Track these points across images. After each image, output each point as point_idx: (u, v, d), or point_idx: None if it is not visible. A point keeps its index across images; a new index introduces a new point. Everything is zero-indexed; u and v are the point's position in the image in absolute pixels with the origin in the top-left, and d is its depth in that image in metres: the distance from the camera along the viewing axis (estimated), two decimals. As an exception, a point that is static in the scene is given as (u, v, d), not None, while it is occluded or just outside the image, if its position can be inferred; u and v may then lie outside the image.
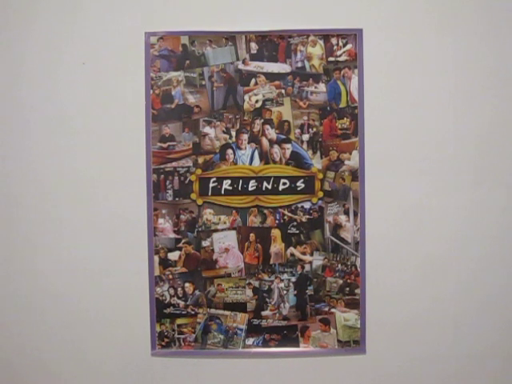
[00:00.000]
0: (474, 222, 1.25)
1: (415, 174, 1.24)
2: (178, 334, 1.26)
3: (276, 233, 1.25)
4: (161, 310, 1.25)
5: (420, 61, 1.23)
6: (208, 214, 1.25)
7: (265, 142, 1.25)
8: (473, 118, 1.24)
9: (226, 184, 1.25)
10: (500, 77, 1.24)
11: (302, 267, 1.25)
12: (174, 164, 1.25)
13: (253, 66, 1.25)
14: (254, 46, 1.25)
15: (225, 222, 1.25)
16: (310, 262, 1.25)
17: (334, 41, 1.24)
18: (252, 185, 1.25)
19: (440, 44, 1.23)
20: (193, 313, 1.26)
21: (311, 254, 1.25)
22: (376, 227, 1.24)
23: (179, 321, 1.26)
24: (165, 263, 1.25)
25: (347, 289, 1.25)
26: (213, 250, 1.25)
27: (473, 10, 1.23)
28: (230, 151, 1.25)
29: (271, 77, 1.25)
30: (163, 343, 1.26)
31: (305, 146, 1.25)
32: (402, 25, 1.23)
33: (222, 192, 1.25)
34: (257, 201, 1.25)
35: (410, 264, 1.24)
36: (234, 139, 1.25)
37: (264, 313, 1.25)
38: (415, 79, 1.24)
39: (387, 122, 1.24)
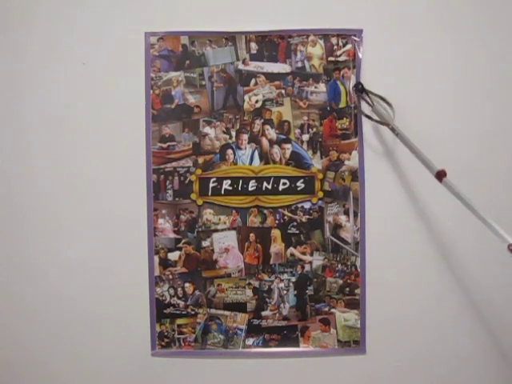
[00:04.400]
0: (473, 221, 1.24)
1: (415, 173, 1.24)
2: (178, 334, 1.26)
3: (276, 233, 1.25)
4: (161, 310, 1.25)
5: (420, 61, 1.23)
6: (208, 214, 1.25)
7: (265, 142, 1.25)
8: (472, 117, 1.24)
9: (226, 184, 1.25)
10: (500, 77, 1.24)
11: (302, 267, 1.25)
12: (174, 164, 1.25)
13: (253, 66, 1.25)
14: (253, 46, 1.25)
15: (225, 222, 1.25)
16: (310, 262, 1.25)
17: (334, 41, 1.24)
18: (252, 185, 1.25)
19: (440, 44, 1.23)
20: (193, 313, 1.26)
21: (311, 254, 1.25)
22: (376, 227, 1.24)
23: (179, 321, 1.26)
24: (165, 263, 1.25)
25: (347, 289, 1.25)
26: (213, 250, 1.25)
27: (472, 10, 1.23)
28: (230, 151, 1.25)
29: (271, 77, 1.25)
30: (163, 343, 1.26)
31: (305, 146, 1.25)
32: (401, 25, 1.23)
33: (222, 192, 1.25)
34: (257, 201, 1.25)
35: (410, 264, 1.24)
36: (233, 139, 1.25)
37: (264, 313, 1.25)
38: (415, 79, 1.23)
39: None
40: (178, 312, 1.26)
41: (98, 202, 1.24)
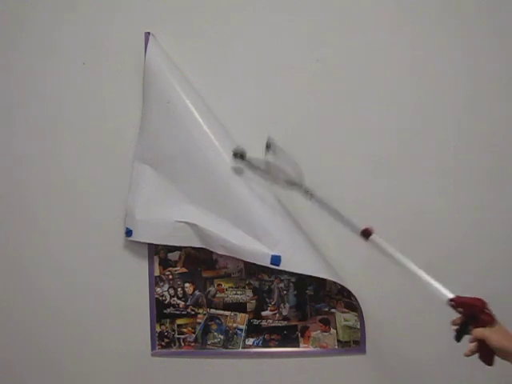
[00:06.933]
0: (474, 223, 1.24)
1: (417, 175, 1.23)
2: (178, 334, 1.26)
3: (276, 232, 1.25)
4: (161, 310, 1.25)
5: (421, 61, 1.23)
6: (208, 214, 1.24)
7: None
8: (477, 118, 1.22)
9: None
10: (503, 77, 1.22)
11: (302, 267, 1.25)
12: (174, 164, 1.25)
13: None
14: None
15: (225, 222, 1.24)
16: (310, 262, 1.25)
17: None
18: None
19: (441, 44, 1.23)
20: (193, 313, 1.26)
21: (311, 254, 1.24)
22: (376, 228, 1.23)
23: (179, 321, 1.26)
24: (165, 263, 1.25)
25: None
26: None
27: (473, 12, 1.23)
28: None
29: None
30: (163, 343, 1.26)
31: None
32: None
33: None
34: (257, 200, 1.24)
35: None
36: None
37: (264, 313, 1.25)
38: (416, 79, 1.23)
39: (389, 123, 1.23)
40: (177, 312, 1.25)
41: (97, 201, 1.25)
